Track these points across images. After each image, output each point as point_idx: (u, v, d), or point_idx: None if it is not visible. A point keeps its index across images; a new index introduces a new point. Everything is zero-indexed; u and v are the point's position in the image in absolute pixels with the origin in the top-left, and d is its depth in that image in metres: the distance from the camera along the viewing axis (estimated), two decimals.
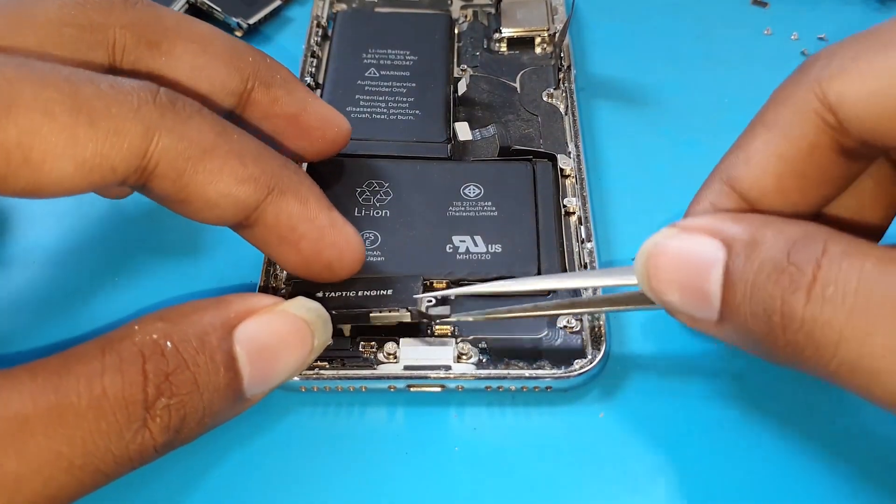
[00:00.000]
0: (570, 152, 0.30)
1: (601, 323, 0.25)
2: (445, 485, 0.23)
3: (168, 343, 0.18)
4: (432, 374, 0.24)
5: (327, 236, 0.23)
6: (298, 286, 0.25)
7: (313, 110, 0.26)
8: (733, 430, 0.24)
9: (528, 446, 0.24)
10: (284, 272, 0.27)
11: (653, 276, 0.20)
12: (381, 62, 0.33)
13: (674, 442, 0.24)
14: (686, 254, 0.19)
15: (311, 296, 0.23)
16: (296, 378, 0.24)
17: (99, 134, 0.18)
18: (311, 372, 0.24)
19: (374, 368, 0.25)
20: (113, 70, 0.23)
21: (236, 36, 0.35)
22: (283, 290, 0.26)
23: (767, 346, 0.18)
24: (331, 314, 0.22)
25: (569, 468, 0.23)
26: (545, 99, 0.32)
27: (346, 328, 0.26)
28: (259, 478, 0.23)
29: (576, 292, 0.26)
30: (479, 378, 0.24)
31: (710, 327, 0.19)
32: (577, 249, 0.28)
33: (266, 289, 0.26)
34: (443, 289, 0.27)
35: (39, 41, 0.21)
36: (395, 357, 0.25)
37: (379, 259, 0.27)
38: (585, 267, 0.27)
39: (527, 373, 0.24)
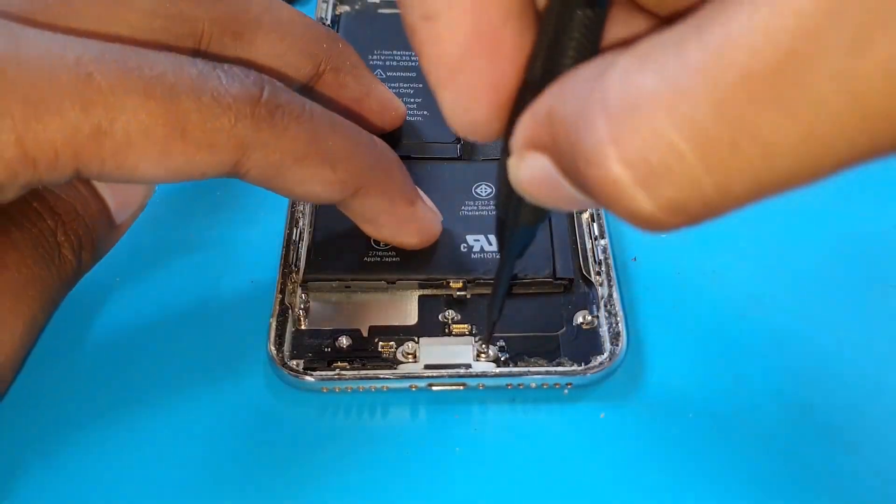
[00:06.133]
0: None
1: (619, 321, 0.25)
2: (446, 483, 0.23)
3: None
4: (453, 372, 0.24)
5: (406, 226, 0.25)
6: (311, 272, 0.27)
7: (376, 95, 0.28)
8: (734, 435, 0.24)
9: (529, 445, 0.24)
10: (301, 273, 0.27)
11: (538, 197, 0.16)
12: (387, 63, 0.33)
13: (674, 445, 0.24)
14: (535, 181, 0.15)
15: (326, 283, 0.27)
16: (312, 378, 0.24)
17: (191, 147, 0.19)
18: (333, 373, 0.24)
19: (395, 368, 0.25)
20: (194, 57, 0.23)
21: None
22: (301, 290, 0.26)
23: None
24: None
25: (569, 468, 0.23)
26: None
27: (365, 328, 0.26)
28: (280, 476, 0.23)
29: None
30: (500, 376, 0.24)
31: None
32: (590, 246, 0.28)
33: (284, 288, 0.26)
34: (459, 289, 0.27)
35: (131, 28, 0.22)
36: (415, 357, 0.25)
37: (394, 259, 0.27)
38: (600, 264, 0.27)
39: (548, 370, 0.24)
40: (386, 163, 0.24)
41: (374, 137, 0.24)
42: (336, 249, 0.27)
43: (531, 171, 0.15)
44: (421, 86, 0.32)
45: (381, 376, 0.24)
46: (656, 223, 0.13)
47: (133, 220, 0.24)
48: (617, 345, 0.25)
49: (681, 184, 0.12)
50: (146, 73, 0.18)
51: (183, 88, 0.19)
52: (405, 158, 0.29)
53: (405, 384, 0.25)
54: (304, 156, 0.21)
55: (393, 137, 0.30)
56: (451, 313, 0.26)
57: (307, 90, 0.26)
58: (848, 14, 0.10)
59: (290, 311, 0.26)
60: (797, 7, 0.11)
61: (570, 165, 0.13)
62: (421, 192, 0.26)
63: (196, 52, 0.23)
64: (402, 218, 0.25)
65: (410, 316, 0.26)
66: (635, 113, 0.12)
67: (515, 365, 0.25)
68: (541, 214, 0.18)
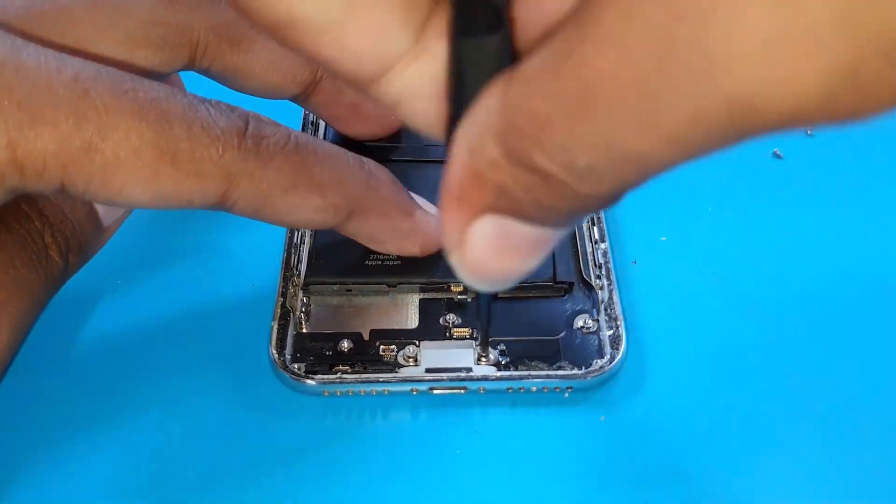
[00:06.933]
0: None
1: (619, 324, 0.26)
2: (447, 487, 0.23)
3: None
4: (454, 376, 0.25)
5: (408, 239, 0.25)
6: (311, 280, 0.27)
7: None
8: (731, 439, 0.24)
9: (530, 449, 0.24)
10: (301, 276, 0.27)
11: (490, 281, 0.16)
12: None
13: (674, 449, 0.24)
14: (493, 246, 0.15)
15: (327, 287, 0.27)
16: (313, 382, 0.24)
17: (180, 174, 0.19)
18: (334, 376, 0.24)
19: (396, 372, 0.25)
20: (191, 66, 0.23)
21: None
22: (302, 294, 0.27)
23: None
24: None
25: (569, 471, 0.23)
26: None
27: (366, 332, 0.26)
28: (282, 479, 0.23)
29: None
30: (501, 379, 0.25)
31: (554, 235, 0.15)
32: (590, 250, 0.28)
33: (285, 292, 0.26)
34: (459, 292, 0.27)
35: (129, 36, 0.22)
36: (416, 360, 0.25)
37: (395, 263, 0.27)
38: (600, 268, 0.27)
39: (548, 373, 0.25)
40: (376, 182, 0.24)
41: (363, 159, 0.24)
42: (337, 253, 0.27)
43: (486, 240, 0.14)
44: None
45: (383, 380, 0.25)
46: (608, 199, 0.13)
47: (121, 223, 0.24)
48: (617, 348, 0.25)
49: (605, 180, 0.13)
50: (140, 96, 0.19)
51: (174, 116, 0.19)
52: (404, 162, 0.30)
53: (406, 388, 0.25)
54: (291, 185, 0.21)
55: (391, 141, 0.30)
56: (451, 317, 0.26)
57: (305, 97, 0.26)
58: (680, 56, 0.11)
59: (291, 315, 0.26)
60: (633, 45, 0.11)
61: (523, 192, 0.13)
62: (423, 200, 0.26)
63: (193, 60, 0.23)
64: (402, 232, 0.25)
65: (411, 319, 0.26)
66: (545, 131, 0.13)
67: (516, 368, 0.25)
68: None
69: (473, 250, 0.15)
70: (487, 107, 0.14)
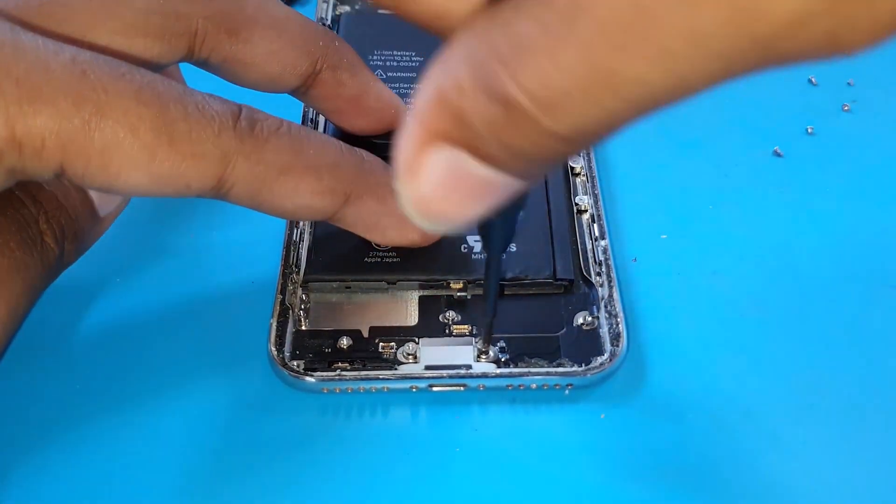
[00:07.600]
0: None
1: (619, 321, 0.26)
2: (447, 484, 0.23)
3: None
4: (454, 373, 0.24)
5: (410, 224, 0.24)
6: (310, 278, 0.27)
7: (374, 93, 0.27)
8: (730, 437, 0.24)
9: (530, 446, 0.24)
10: (301, 273, 0.27)
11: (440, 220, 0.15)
12: (388, 64, 0.33)
13: (674, 446, 0.24)
14: (443, 180, 0.14)
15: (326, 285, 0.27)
16: (313, 379, 0.24)
17: (177, 155, 0.19)
18: (333, 373, 0.24)
19: (396, 369, 0.25)
20: (190, 57, 0.24)
21: None
22: (302, 291, 0.26)
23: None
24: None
25: (569, 468, 0.23)
26: None
27: (365, 329, 0.26)
28: (281, 476, 0.23)
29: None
30: (500, 376, 0.24)
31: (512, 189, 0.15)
32: (590, 247, 0.28)
33: (284, 289, 0.26)
34: (459, 289, 0.27)
35: (126, 26, 0.22)
36: (416, 357, 0.25)
37: (394, 260, 0.27)
38: (600, 265, 0.27)
39: (548, 370, 0.24)
40: (370, 166, 0.24)
41: (354, 147, 0.24)
42: (336, 250, 0.27)
43: (438, 173, 0.14)
44: None
45: (382, 377, 0.24)
46: (570, 144, 0.13)
47: (118, 214, 0.24)
48: (617, 345, 0.25)
49: (576, 113, 0.12)
50: (137, 78, 0.19)
51: (171, 98, 0.19)
52: None
53: (406, 385, 0.25)
54: (287, 167, 0.21)
55: (391, 137, 0.30)
56: (451, 314, 0.26)
57: (304, 90, 0.26)
58: None
59: (290, 312, 0.26)
60: None
61: (482, 123, 0.13)
62: None
63: (192, 51, 0.23)
64: (401, 217, 0.24)
65: (411, 316, 0.26)
66: (523, 55, 0.12)
67: (516, 366, 0.25)
68: (516, 201, 0.19)
69: (425, 182, 0.14)
70: (472, 29, 0.13)
